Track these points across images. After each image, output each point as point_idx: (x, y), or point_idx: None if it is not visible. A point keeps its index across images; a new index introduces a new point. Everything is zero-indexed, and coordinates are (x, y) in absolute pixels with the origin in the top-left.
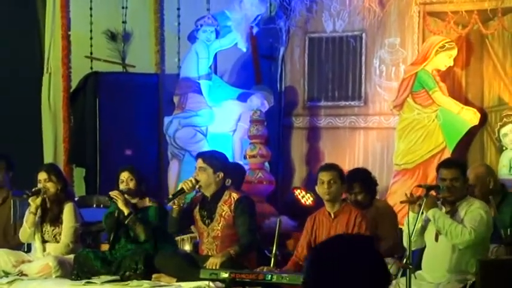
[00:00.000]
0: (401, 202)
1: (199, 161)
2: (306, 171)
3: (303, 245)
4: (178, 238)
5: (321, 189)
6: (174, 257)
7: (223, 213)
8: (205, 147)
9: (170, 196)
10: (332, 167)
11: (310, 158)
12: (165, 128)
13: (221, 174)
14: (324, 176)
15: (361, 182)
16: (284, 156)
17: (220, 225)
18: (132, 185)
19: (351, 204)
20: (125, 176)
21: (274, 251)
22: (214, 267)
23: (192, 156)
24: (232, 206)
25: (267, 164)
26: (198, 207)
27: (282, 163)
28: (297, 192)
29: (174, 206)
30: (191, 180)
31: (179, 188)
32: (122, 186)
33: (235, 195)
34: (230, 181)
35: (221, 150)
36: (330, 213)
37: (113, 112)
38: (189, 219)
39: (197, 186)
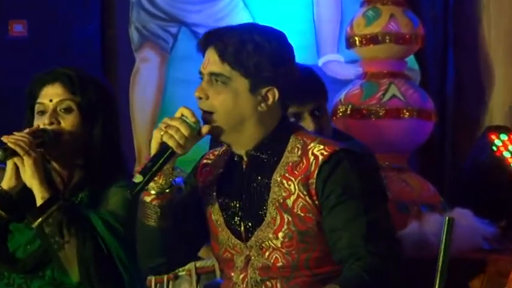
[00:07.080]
0: None
1: (214, 56)
2: None
3: None
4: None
5: None
6: None
7: (292, 200)
8: (239, 17)
9: (143, 168)
10: None
11: None
12: None
13: (274, 92)
14: None
15: None
16: (459, 44)
17: (283, 232)
18: (69, 123)
19: None
20: (52, 93)
21: None
22: None
23: (198, 42)
24: (315, 177)
25: (413, 62)
26: (215, 192)
27: (452, 62)
28: (499, 140)
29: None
30: (190, 115)
31: (157, 149)
32: (39, 123)
33: (320, 148)
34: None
35: (276, 29)
36: None
37: None
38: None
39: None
